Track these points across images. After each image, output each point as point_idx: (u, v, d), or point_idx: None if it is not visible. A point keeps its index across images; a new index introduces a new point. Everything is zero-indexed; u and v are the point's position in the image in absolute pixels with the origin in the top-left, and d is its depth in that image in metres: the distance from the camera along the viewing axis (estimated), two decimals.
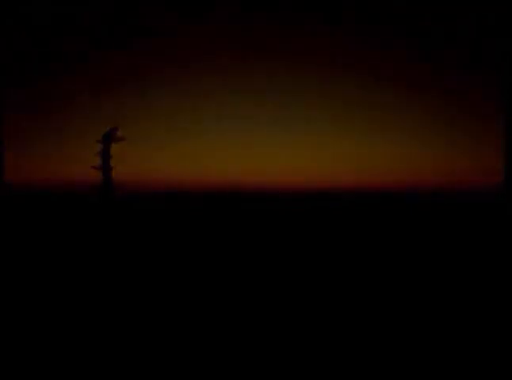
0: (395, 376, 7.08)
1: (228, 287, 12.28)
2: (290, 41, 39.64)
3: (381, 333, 8.84)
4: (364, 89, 42.36)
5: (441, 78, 40.36)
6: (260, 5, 36.77)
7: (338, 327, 9.18)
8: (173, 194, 45.34)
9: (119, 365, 7.40)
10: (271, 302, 10.94)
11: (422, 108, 42.99)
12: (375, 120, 43.65)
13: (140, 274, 13.75)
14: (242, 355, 7.84)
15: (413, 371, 7.28)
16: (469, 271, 14.24)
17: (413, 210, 36.31)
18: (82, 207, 37.83)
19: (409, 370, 7.34)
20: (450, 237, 21.70)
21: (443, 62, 39.13)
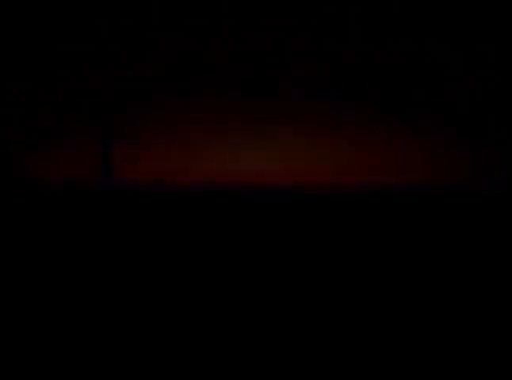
0: (396, 376, 7.15)
1: (227, 286, 12.35)
2: None
3: (383, 332, 8.91)
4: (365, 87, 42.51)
5: (441, 79, 40.52)
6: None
7: (342, 326, 9.25)
8: (174, 194, 45.55)
9: (117, 363, 7.47)
10: (270, 301, 11.01)
11: (420, 107, 43.16)
12: (374, 120, 43.82)
13: (140, 273, 13.83)
14: (243, 354, 7.91)
15: (413, 371, 7.34)
16: (469, 271, 14.30)
17: (410, 210, 36.36)
18: (82, 206, 37.87)
19: (409, 370, 7.41)
20: (449, 236, 21.75)
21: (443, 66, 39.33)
